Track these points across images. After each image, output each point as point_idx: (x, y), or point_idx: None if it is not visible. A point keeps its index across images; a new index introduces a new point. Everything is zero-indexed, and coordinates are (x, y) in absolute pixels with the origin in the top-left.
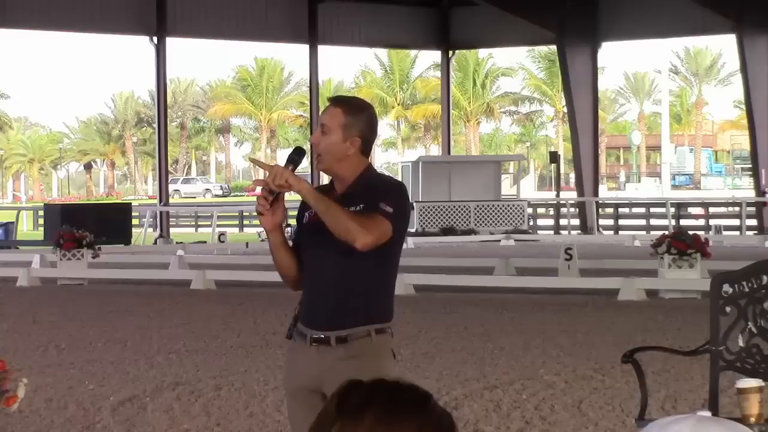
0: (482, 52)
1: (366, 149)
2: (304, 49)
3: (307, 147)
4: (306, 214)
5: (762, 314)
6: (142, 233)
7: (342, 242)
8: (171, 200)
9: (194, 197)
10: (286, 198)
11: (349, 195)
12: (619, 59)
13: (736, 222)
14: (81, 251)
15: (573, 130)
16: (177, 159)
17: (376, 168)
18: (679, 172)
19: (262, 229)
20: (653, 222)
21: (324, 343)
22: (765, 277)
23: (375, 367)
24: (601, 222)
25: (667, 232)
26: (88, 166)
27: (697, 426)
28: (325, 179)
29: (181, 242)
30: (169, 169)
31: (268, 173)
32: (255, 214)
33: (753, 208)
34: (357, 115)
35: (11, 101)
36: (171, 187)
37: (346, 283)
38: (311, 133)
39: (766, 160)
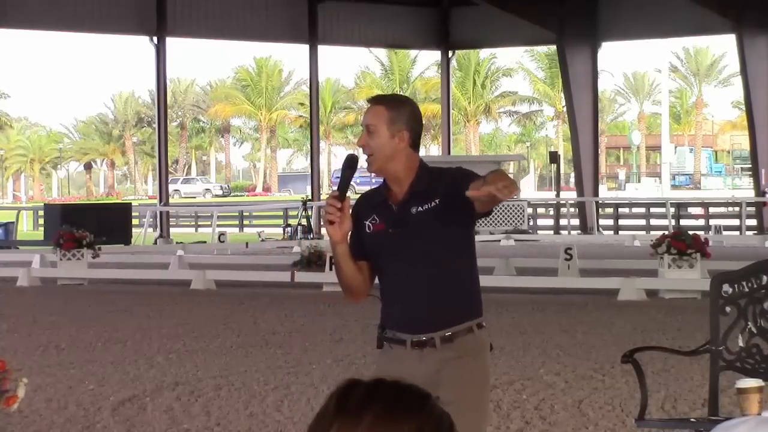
0: (485, 53)
1: (415, 143)
2: (304, 49)
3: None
4: (367, 223)
5: (762, 314)
6: (142, 233)
7: (435, 242)
8: (171, 200)
9: (194, 197)
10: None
11: (417, 194)
12: (619, 59)
13: (735, 222)
14: (81, 251)
15: (573, 130)
16: (177, 159)
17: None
18: (679, 172)
19: (262, 229)
20: (653, 222)
21: (428, 345)
22: (765, 277)
23: (481, 364)
24: (601, 222)
25: (667, 232)
26: (88, 166)
27: (760, 425)
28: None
29: (181, 242)
30: (169, 169)
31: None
32: (255, 214)
33: (753, 208)
34: (400, 108)
35: (11, 101)
36: (171, 187)
37: (445, 282)
38: (311, 133)
39: (766, 160)
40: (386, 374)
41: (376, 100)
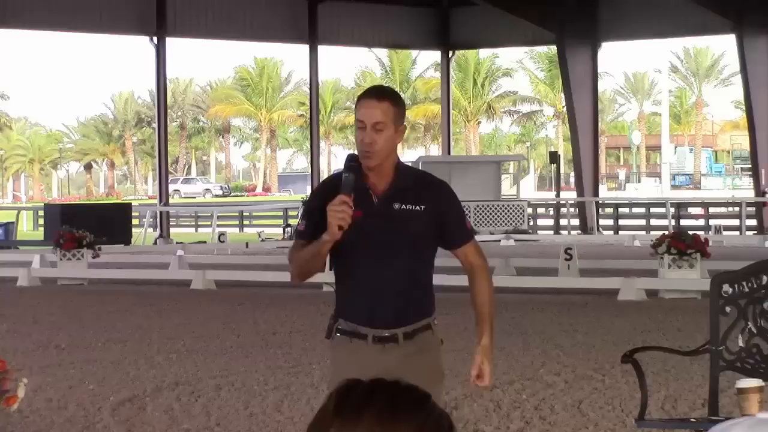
0: (485, 53)
1: None
2: (304, 49)
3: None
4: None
5: (762, 314)
6: (142, 233)
7: (408, 241)
8: (171, 200)
9: (194, 197)
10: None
11: (401, 191)
12: (619, 59)
13: (735, 222)
14: (81, 251)
15: (573, 130)
16: (177, 159)
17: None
18: (678, 172)
19: (262, 229)
20: (653, 222)
21: (390, 341)
22: (765, 277)
23: (437, 359)
24: (601, 222)
25: (667, 232)
26: (88, 166)
27: (754, 426)
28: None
29: (181, 242)
30: (169, 169)
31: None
32: (255, 214)
33: (753, 208)
34: (400, 104)
35: (11, 101)
36: (171, 187)
37: (413, 279)
38: (311, 133)
39: (766, 160)
40: (345, 368)
41: (380, 96)
